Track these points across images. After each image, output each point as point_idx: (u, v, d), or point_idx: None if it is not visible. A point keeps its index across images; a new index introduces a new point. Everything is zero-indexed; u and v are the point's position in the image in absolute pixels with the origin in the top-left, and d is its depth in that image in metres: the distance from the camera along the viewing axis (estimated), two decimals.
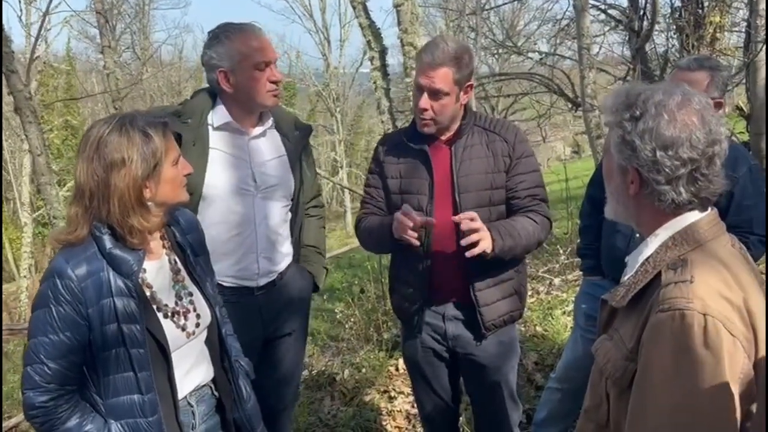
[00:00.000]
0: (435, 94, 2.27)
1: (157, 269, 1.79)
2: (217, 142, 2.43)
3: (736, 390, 1.22)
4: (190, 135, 2.35)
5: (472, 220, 2.16)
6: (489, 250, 2.18)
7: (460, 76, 2.27)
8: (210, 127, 2.43)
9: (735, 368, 1.22)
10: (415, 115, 2.39)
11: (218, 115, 2.44)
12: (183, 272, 1.87)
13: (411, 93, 5.14)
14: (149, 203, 1.69)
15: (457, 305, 2.44)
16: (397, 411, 3.78)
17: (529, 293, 5.53)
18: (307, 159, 2.71)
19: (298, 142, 2.61)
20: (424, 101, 2.28)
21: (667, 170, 1.29)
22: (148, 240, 1.74)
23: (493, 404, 2.55)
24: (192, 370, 1.85)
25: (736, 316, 1.24)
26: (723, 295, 1.25)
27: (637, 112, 1.32)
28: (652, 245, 1.37)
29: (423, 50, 2.31)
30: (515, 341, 2.57)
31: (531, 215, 2.35)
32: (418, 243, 2.25)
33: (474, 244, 2.15)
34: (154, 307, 1.74)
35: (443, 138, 2.40)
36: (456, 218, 2.18)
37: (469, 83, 2.34)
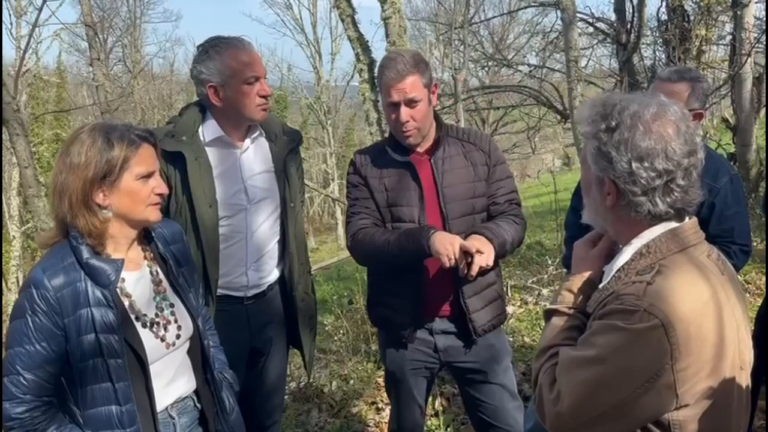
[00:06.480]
0: (411, 103, 2.31)
1: (136, 280, 1.78)
2: (210, 157, 2.42)
3: (646, 398, 1.25)
4: (190, 151, 2.36)
5: (480, 252, 2.17)
6: (491, 263, 2.22)
7: (426, 80, 2.34)
8: (202, 142, 2.43)
9: (658, 377, 1.23)
10: (394, 132, 2.41)
11: (209, 129, 2.44)
12: (165, 283, 1.86)
13: None
14: (104, 210, 1.69)
15: (445, 318, 2.44)
16: (385, 423, 3.75)
17: (518, 304, 5.54)
18: (295, 164, 2.68)
19: (284, 146, 2.61)
20: (405, 113, 2.32)
21: (642, 182, 1.29)
22: (106, 245, 1.72)
23: (494, 406, 2.53)
24: (173, 381, 1.84)
25: (691, 326, 1.23)
26: (682, 303, 1.24)
27: (613, 123, 1.31)
28: (626, 254, 1.37)
29: (383, 69, 2.34)
30: (505, 342, 2.59)
31: (512, 218, 2.43)
32: (448, 265, 2.20)
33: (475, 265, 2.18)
34: (133, 317, 1.73)
35: (421, 150, 2.44)
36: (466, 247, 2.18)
37: (434, 84, 2.41)
